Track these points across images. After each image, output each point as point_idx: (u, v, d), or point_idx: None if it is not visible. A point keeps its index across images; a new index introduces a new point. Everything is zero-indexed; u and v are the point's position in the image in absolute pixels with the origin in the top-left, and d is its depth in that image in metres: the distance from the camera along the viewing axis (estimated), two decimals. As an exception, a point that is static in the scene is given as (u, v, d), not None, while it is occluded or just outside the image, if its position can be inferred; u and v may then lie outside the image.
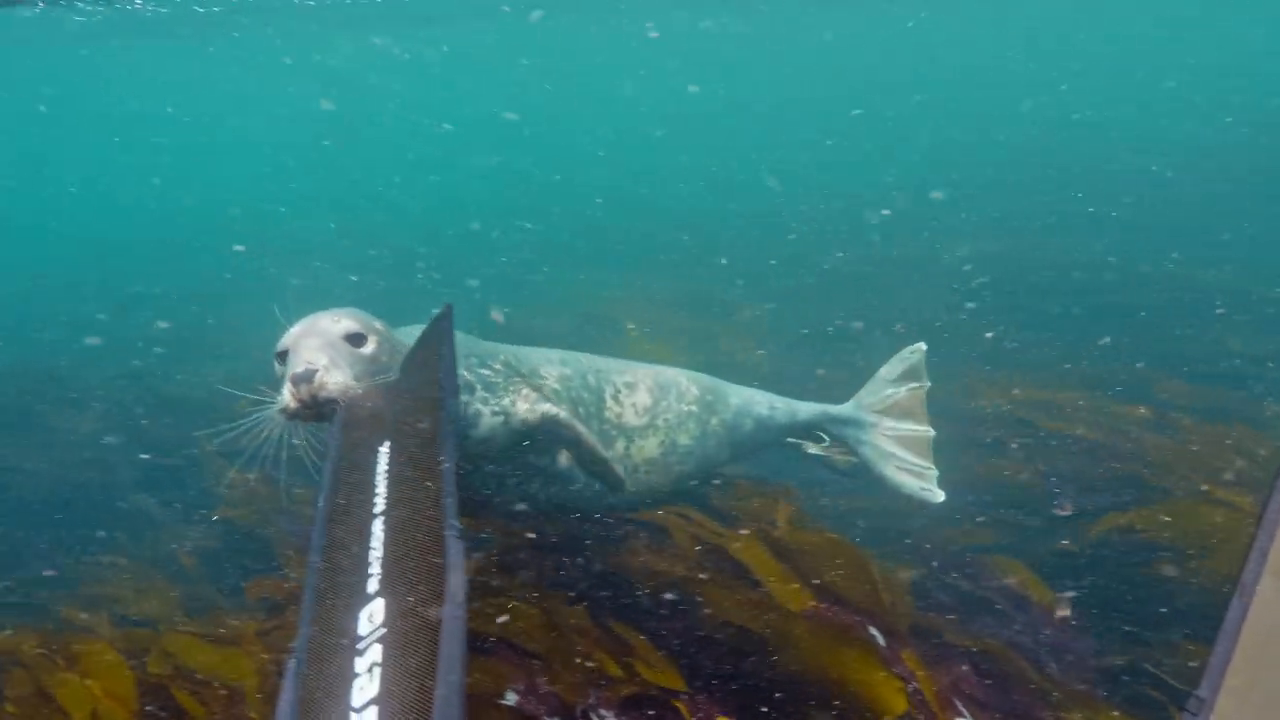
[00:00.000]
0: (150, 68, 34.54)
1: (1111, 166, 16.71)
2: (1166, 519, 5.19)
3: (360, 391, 3.28)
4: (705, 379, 5.27)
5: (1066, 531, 5.70)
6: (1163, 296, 9.83)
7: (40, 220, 27.21)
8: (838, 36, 44.34)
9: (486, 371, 4.10)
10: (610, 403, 4.66)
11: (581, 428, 4.27)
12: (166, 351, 10.04)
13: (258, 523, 5.86)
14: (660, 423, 4.79)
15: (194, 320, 11.55)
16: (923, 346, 5.39)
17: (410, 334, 4.03)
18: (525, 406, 4.09)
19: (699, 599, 4.17)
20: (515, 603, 4.11)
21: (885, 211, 13.58)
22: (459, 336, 4.21)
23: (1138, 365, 8.07)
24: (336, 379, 3.28)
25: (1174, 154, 16.62)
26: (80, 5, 15.84)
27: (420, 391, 3.03)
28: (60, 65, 29.34)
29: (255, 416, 3.38)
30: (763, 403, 5.34)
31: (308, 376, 3.26)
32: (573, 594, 4.26)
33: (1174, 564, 4.93)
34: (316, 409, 3.29)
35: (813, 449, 5.67)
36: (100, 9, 16.39)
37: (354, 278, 13.12)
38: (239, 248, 15.22)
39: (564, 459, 4.43)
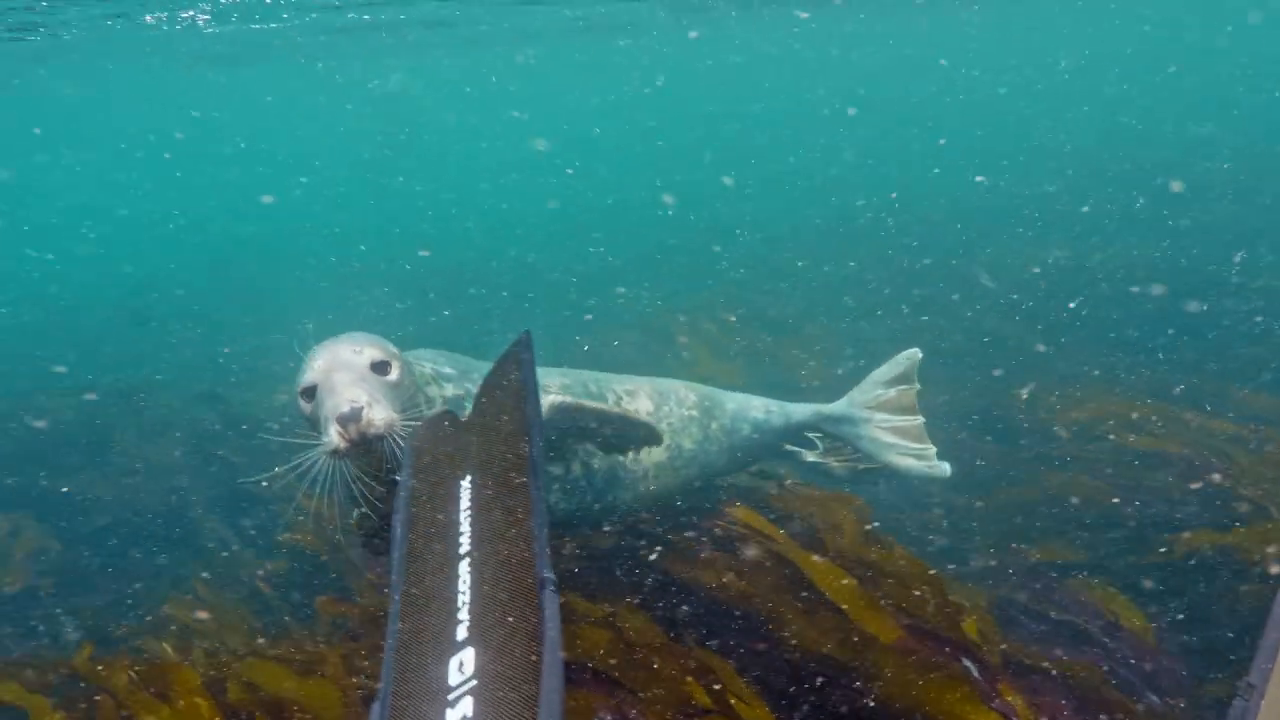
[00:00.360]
0: (212, 92, 35.33)
1: (1172, 169, 16.30)
2: (1268, 539, 4.99)
3: (401, 424, 3.31)
4: (700, 386, 5.31)
5: (1151, 549, 5.53)
6: (1241, 305, 9.53)
7: (98, 245, 27.82)
8: (887, 46, 44.13)
9: None
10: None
11: (592, 402, 4.29)
12: (235, 371, 10.22)
13: (324, 548, 5.87)
14: (664, 427, 4.81)
15: (258, 341, 11.72)
16: (918, 352, 5.40)
17: (419, 356, 4.02)
18: None
19: (775, 621, 4.09)
20: (584, 625, 4.06)
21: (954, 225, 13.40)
22: (444, 355, 4.21)
23: (1214, 376, 7.83)
24: (381, 415, 3.30)
25: (1245, 158, 16.17)
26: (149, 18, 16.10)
27: (502, 424, 2.93)
28: (119, 90, 30.07)
29: (302, 459, 3.40)
30: (759, 407, 5.38)
31: (355, 416, 3.26)
32: (643, 610, 4.20)
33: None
34: (365, 446, 3.31)
35: (810, 456, 5.68)
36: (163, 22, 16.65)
37: (404, 303, 13.35)
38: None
39: (577, 468, 4.43)
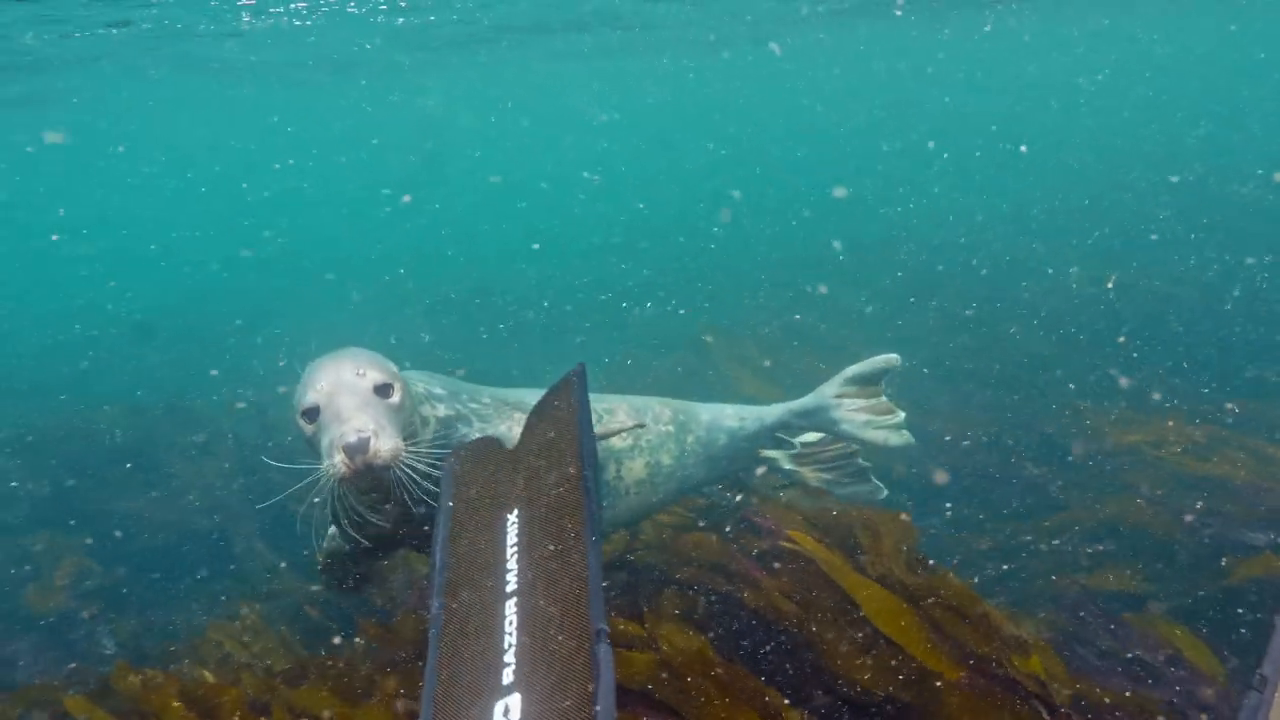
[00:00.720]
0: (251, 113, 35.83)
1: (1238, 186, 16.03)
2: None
3: (406, 452, 3.32)
4: (674, 401, 5.38)
5: (1212, 578, 5.37)
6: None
7: (138, 264, 28.20)
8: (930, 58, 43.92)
9: (476, 405, 4.11)
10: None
11: (614, 425, 4.46)
12: (278, 388, 10.25)
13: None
14: (644, 444, 4.90)
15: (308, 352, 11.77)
16: (895, 358, 5.42)
17: (409, 377, 3.93)
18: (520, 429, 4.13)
19: (829, 652, 3.98)
20: (624, 649, 3.97)
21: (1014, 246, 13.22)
22: (432, 375, 4.17)
23: (1276, 401, 7.61)
24: (388, 445, 3.28)
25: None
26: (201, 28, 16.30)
27: (552, 459, 2.82)
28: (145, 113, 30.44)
29: (306, 483, 3.39)
30: (731, 415, 5.44)
31: (361, 447, 3.23)
32: (686, 629, 4.11)
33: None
34: (369, 474, 3.29)
35: (786, 463, 5.74)
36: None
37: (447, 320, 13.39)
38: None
39: None
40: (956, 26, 29.73)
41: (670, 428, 5.10)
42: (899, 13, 24.10)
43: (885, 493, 5.71)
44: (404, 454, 3.30)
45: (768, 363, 9.31)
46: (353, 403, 3.34)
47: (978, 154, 26.05)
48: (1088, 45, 44.13)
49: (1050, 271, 12.19)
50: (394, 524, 3.89)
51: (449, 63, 24.65)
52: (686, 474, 5.18)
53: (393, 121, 43.58)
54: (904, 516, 4.79)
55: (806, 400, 5.51)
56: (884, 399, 5.39)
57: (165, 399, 10.02)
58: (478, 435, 3.91)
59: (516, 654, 2.18)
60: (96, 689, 4.55)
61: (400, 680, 4.26)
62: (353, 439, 3.23)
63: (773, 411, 5.55)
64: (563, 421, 2.94)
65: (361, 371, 3.46)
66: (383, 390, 3.45)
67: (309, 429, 3.44)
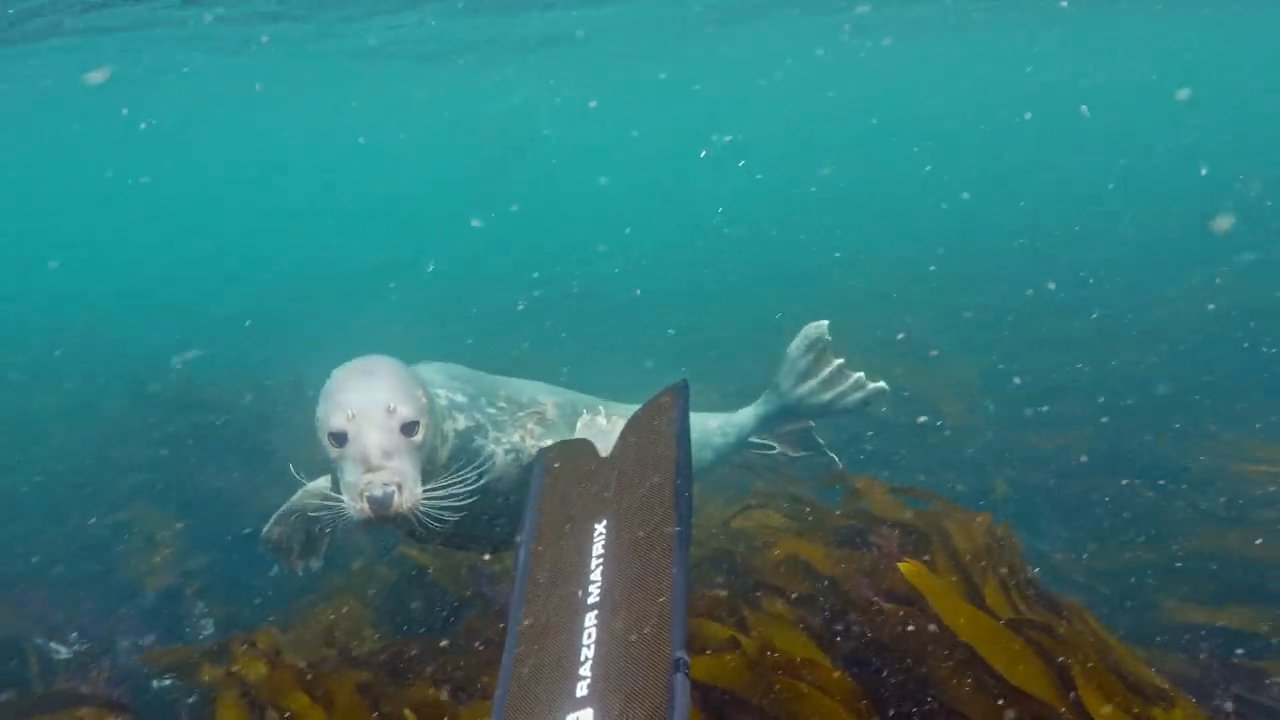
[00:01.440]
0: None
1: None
2: None
3: (423, 500, 3.36)
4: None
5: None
6: None
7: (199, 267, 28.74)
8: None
9: (493, 410, 4.07)
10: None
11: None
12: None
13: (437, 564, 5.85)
14: None
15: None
16: (824, 323, 5.29)
17: (429, 375, 3.91)
18: (533, 443, 4.11)
19: (937, 679, 3.83)
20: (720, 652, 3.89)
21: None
22: (453, 375, 4.08)
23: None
24: (409, 499, 3.32)
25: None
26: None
27: (647, 476, 2.75)
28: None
29: (327, 519, 3.46)
30: (715, 429, 5.36)
31: (385, 503, 3.27)
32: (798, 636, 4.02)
33: None
34: (388, 522, 3.37)
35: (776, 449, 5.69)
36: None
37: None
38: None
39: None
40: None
41: None
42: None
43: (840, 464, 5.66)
44: (421, 503, 3.36)
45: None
46: (380, 444, 3.35)
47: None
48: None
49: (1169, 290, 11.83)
50: (459, 532, 3.92)
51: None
52: None
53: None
54: (1002, 529, 4.65)
55: (769, 406, 5.45)
56: (837, 367, 5.28)
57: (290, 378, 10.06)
58: (493, 448, 3.94)
59: (593, 668, 2.17)
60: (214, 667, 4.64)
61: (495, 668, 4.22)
62: (379, 493, 3.27)
63: (747, 421, 5.48)
64: (662, 437, 2.88)
65: (392, 407, 3.43)
66: (409, 429, 3.44)
67: (332, 452, 3.45)
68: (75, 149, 39.20)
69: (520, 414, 4.19)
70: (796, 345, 5.28)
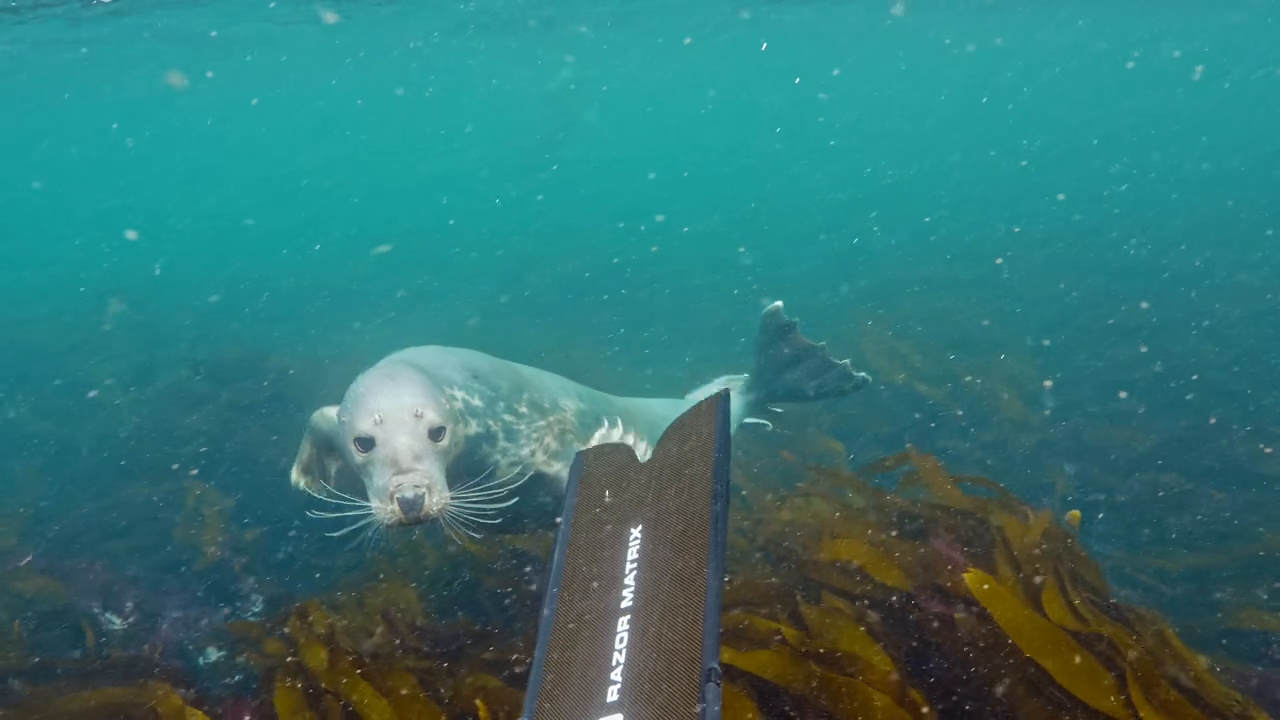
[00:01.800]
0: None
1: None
2: None
3: (450, 502, 3.40)
4: (654, 404, 5.42)
5: None
6: None
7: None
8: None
9: (510, 417, 4.06)
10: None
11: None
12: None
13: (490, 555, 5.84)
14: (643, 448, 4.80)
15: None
16: (778, 304, 5.30)
17: (449, 375, 3.88)
18: (543, 458, 4.16)
19: (994, 683, 3.71)
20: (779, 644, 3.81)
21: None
22: (475, 375, 4.03)
23: None
24: (438, 502, 3.36)
25: None
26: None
27: (684, 481, 2.74)
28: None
29: (356, 527, 3.45)
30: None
31: (416, 504, 3.31)
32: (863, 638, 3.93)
33: None
34: (419, 524, 3.40)
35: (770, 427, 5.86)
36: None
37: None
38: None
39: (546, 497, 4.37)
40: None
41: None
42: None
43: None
44: (449, 506, 3.41)
45: (918, 360, 8.96)
46: (409, 448, 3.39)
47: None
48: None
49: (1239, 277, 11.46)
50: (504, 523, 3.99)
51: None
52: None
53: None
54: (1065, 529, 4.51)
55: (756, 394, 5.47)
56: (821, 354, 5.26)
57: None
58: (498, 458, 3.97)
59: (624, 673, 2.17)
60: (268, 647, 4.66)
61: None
62: (409, 494, 3.32)
63: (738, 408, 5.52)
64: (700, 447, 2.86)
65: (420, 412, 3.47)
66: (436, 434, 3.49)
67: (359, 456, 3.47)
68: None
69: (539, 423, 4.19)
70: (760, 339, 5.34)
